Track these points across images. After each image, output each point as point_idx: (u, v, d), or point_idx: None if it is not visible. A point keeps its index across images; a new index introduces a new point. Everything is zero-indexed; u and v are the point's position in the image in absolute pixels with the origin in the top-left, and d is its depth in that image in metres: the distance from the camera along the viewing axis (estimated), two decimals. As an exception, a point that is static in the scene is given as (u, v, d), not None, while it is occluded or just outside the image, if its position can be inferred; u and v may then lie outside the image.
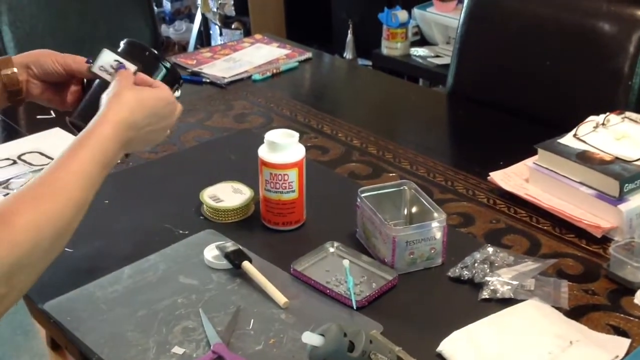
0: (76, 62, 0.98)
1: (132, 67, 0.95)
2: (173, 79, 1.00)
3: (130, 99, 0.89)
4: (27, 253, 0.73)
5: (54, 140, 1.45)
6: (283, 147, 1.13)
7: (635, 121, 1.28)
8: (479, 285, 1.02)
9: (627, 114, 1.30)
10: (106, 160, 0.85)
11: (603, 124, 1.27)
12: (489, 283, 1.01)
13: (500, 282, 1.01)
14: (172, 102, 0.95)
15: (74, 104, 1.00)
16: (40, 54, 0.99)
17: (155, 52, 1.00)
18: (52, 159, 1.36)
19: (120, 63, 0.95)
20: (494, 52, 1.67)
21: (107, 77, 0.95)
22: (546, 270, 1.05)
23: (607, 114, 1.29)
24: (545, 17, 1.58)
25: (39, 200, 0.77)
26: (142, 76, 0.95)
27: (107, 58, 0.96)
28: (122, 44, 1.00)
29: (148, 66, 0.97)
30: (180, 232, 1.16)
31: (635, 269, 1.01)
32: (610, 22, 1.49)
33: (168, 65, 1.00)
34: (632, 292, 1.01)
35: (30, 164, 1.36)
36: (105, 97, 0.90)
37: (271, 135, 1.15)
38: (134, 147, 0.93)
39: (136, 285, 1.03)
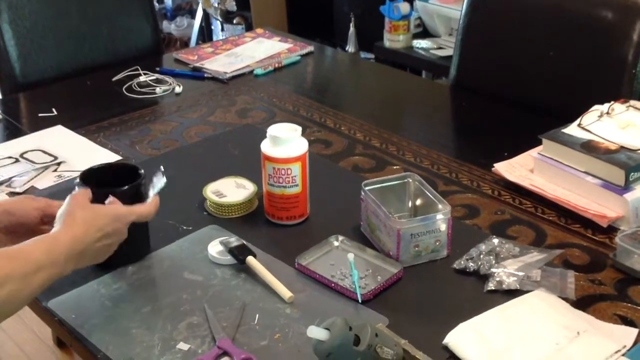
0: (52, 206, 1.01)
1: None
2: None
3: (80, 221, 0.93)
4: None
5: (56, 138, 1.45)
6: (286, 142, 1.13)
7: (640, 110, 1.27)
8: (485, 277, 1.02)
9: (632, 102, 1.29)
10: (58, 261, 0.89)
11: (608, 113, 1.26)
12: (495, 274, 1.01)
13: (506, 273, 1.01)
14: (120, 219, 0.97)
15: None
16: (20, 203, 1.03)
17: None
18: (54, 156, 1.36)
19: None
20: (497, 43, 1.66)
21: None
22: (552, 260, 1.04)
23: (612, 102, 1.28)
24: (549, 7, 1.57)
25: None
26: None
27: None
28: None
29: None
30: (184, 227, 1.16)
31: (642, 258, 1.00)
32: (614, 11, 1.48)
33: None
34: (639, 281, 1.00)
35: (32, 162, 1.36)
36: (59, 216, 0.94)
37: (274, 130, 1.14)
38: (83, 264, 0.95)
39: (140, 282, 1.03)
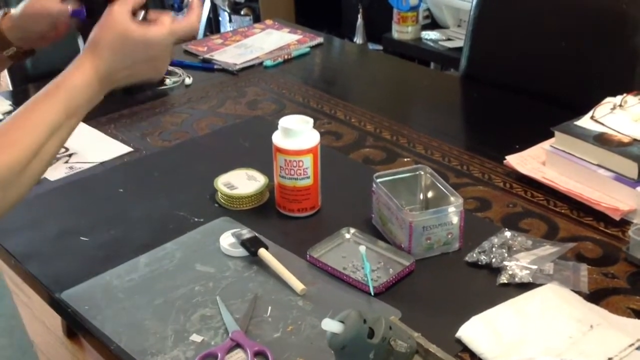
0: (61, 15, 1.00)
1: None
2: None
3: (107, 44, 0.86)
4: None
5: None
6: (297, 134, 1.13)
7: (653, 102, 1.26)
8: (497, 270, 1.01)
9: (645, 94, 1.28)
10: (73, 109, 0.85)
11: (620, 105, 1.25)
12: (507, 268, 1.01)
13: (518, 266, 1.00)
14: (156, 44, 0.88)
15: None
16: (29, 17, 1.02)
17: None
18: (66, 148, 1.37)
19: None
20: (508, 34, 1.65)
21: None
22: (565, 254, 1.04)
23: (625, 95, 1.27)
24: (560, -2, 1.56)
25: None
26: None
27: None
28: None
29: None
30: (195, 219, 1.16)
31: (656, 251, 1.00)
32: (626, 2, 1.47)
33: None
34: (653, 275, 1.00)
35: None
36: (92, 33, 0.88)
37: (285, 122, 1.14)
38: (118, 85, 0.90)
39: (153, 274, 1.03)
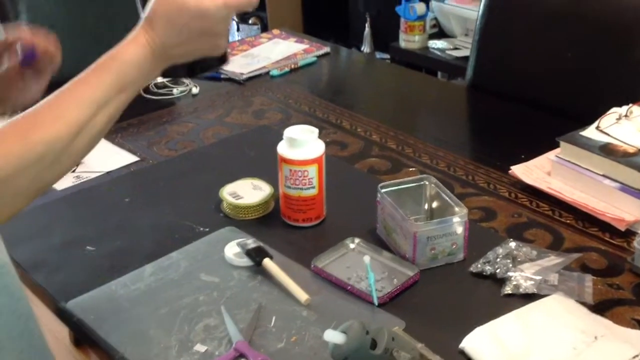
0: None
1: None
2: None
3: (161, 17, 0.84)
4: (16, 169, 0.75)
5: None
6: (303, 143, 1.13)
7: (659, 112, 1.26)
8: (502, 281, 1.01)
9: (651, 105, 1.28)
10: (123, 84, 0.83)
11: (626, 115, 1.25)
12: (512, 278, 1.00)
13: (523, 277, 1.00)
14: (212, 16, 0.85)
15: None
16: None
17: None
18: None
19: None
20: (514, 44, 1.65)
21: None
22: (570, 264, 1.04)
23: (630, 105, 1.27)
24: (566, 7, 1.56)
25: (38, 122, 0.78)
26: None
27: None
28: None
29: None
30: (201, 229, 1.16)
31: (661, 262, 1.00)
32: (633, 12, 1.47)
33: None
34: (658, 286, 0.99)
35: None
36: (147, 7, 0.85)
37: (291, 132, 1.14)
38: (174, 61, 0.88)
39: (158, 283, 1.04)
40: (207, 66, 0.93)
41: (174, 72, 0.91)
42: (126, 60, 0.83)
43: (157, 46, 0.84)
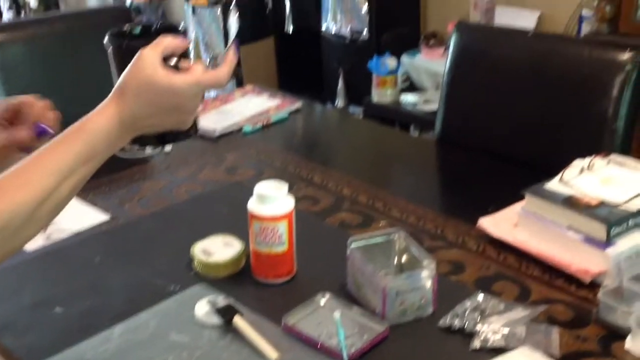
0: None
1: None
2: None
3: (132, 89, 0.85)
4: None
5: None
6: (272, 200, 1.14)
7: (621, 164, 1.29)
8: (470, 335, 1.02)
9: (613, 157, 1.32)
10: (90, 154, 0.84)
11: (588, 167, 1.28)
12: (480, 332, 1.01)
13: (491, 330, 1.01)
14: (181, 93, 0.86)
15: None
16: None
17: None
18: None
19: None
20: (480, 99, 1.69)
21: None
22: (537, 317, 1.05)
23: (593, 157, 1.30)
24: (529, 63, 1.61)
25: (3, 190, 0.79)
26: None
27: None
28: None
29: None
30: (172, 288, 1.16)
31: (625, 313, 1.01)
32: (593, 67, 1.52)
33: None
34: (623, 337, 1.00)
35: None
36: (120, 78, 0.87)
37: (260, 188, 1.16)
38: (141, 133, 0.89)
39: (127, 344, 1.03)
40: (177, 136, 0.95)
41: (144, 141, 0.93)
42: (94, 131, 0.84)
43: (126, 117, 0.85)
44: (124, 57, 0.89)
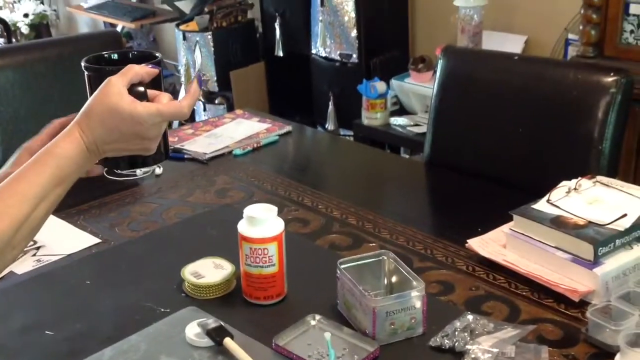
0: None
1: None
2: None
3: (96, 116, 0.89)
4: None
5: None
6: (262, 222, 1.15)
7: (607, 185, 1.31)
8: (460, 354, 1.02)
9: (599, 178, 1.33)
10: (61, 178, 0.87)
11: (575, 188, 1.30)
12: (470, 351, 1.02)
13: (480, 350, 1.02)
14: (143, 122, 0.89)
15: None
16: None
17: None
18: (34, 241, 1.37)
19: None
20: (468, 121, 1.71)
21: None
22: (526, 336, 1.06)
23: (579, 178, 1.32)
24: (516, 86, 1.64)
25: None
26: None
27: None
28: None
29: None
30: (162, 310, 1.16)
31: (613, 332, 1.02)
32: (578, 90, 1.54)
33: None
34: (612, 356, 1.01)
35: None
36: (86, 103, 0.90)
37: (250, 210, 1.16)
38: (108, 155, 0.92)
39: (117, 367, 1.03)
40: (147, 160, 0.97)
41: (115, 164, 0.97)
42: (62, 155, 0.87)
43: (90, 142, 0.89)
44: (98, 83, 0.92)
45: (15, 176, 0.86)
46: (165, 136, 0.98)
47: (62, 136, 0.89)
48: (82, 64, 0.97)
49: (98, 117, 0.89)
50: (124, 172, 1.66)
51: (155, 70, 0.94)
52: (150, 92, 0.93)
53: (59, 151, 0.87)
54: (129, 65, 0.92)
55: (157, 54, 0.99)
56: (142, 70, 0.92)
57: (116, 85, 0.89)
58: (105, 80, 0.90)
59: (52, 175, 0.86)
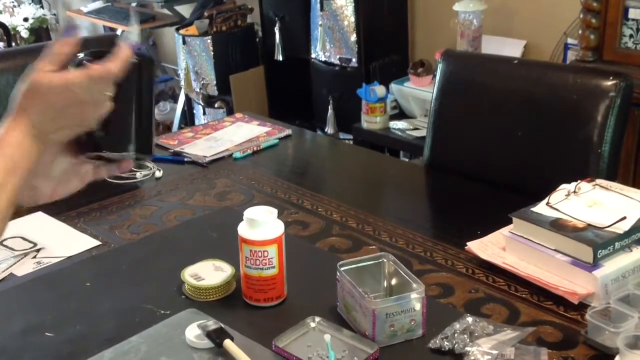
0: None
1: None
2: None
3: (20, 94, 0.85)
4: None
5: (37, 225, 1.46)
6: (262, 224, 1.15)
7: (606, 188, 1.31)
8: (460, 356, 1.03)
9: (598, 181, 1.33)
10: (14, 166, 0.84)
11: (574, 191, 1.30)
12: (469, 353, 1.02)
13: (480, 351, 1.02)
14: (75, 86, 0.85)
15: None
16: None
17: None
18: (34, 243, 1.37)
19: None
20: (468, 124, 1.72)
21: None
22: (526, 338, 1.06)
23: (579, 181, 1.32)
24: (515, 90, 1.64)
25: None
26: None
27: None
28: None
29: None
30: (162, 312, 1.16)
31: (613, 334, 1.02)
32: (578, 93, 1.55)
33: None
34: (611, 358, 1.01)
35: (11, 249, 1.36)
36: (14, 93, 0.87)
37: (250, 213, 1.17)
38: (54, 139, 0.88)
39: (117, 368, 1.03)
40: (116, 147, 0.92)
41: (79, 148, 0.91)
42: (8, 144, 0.84)
43: (29, 126, 0.85)
44: None
45: None
46: (149, 132, 0.93)
47: (2, 128, 0.85)
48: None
49: (28, 100, 0.85)
50: (124, 174, 1.66)
51: (69, 38, 0.89)
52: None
53: (4, 142, 0.84)
54: (51, 43, 0.88)
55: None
56: (61, 45, 0.88)
57: (37, 65, 0.86)
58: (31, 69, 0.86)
59: (5, 165, 0.83)
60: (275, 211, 1.17)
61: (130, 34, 0.93)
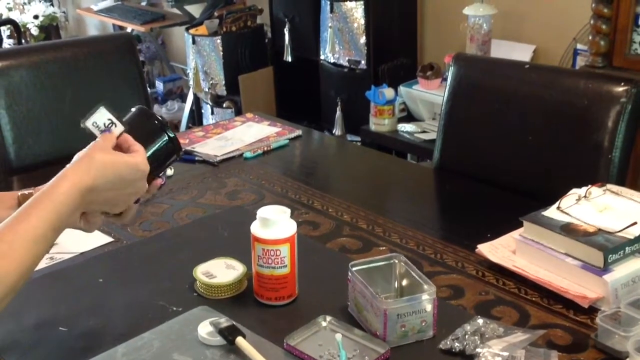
0: None
1: (119, 129, 0.99)
2: (172, 151, 1.06)
3: (97, 162, 0.93)
4: None
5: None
6: (275, 223, 1.16)
7: (617, 193, 1.32)
8: (470, 357, 1.03)
9: (609, 186, 1.34)
10: (59, 223, 0.89)
11: (585, 196, 1.31)
12: (480, 355, 1.03)
13: (491, 353, 1.03)
14: (141, 170, 0.98)
15: None
16: None
17: (161, 120, 1.06)
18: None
19: (111, 122, 0.99)
20: (478, 128, 1.72)
21: (97, 133, 1.00)
22: (536, 341, 1.06)
23: (589, 186, 1.33)
24: (526, 94, 1.65)
25: None
26: (125, 137, 0.99)
27: (101, 116, 1.00)
28: (132, 109, 1.06)
29: (148, 133, 1.03)
30: (174, 309, 1.17)
31: (623, 338, 1.03)
32: (589, 99, 1.55)
33: (171, 135, 1.06)
34: (621, 362, 1.02)
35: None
36: (76, 156, 0.95)
37: (263, 212, 1.17)
38: (94, 209, 0.97)
39: (130, 363, 1.04)
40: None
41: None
42: (60, 196, 0.90)
43: (86, 187, 0.92)
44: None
45: (16, 217, 0.88)
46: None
47: (61, 176, 0.92)
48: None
49: (99, 163, 0.94)
50: None
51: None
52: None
53: (57, 194, 0.90)
54: (102, 136, 0.98)
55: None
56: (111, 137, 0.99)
57: (106, 143, 0.97)
58: (98, 138, 0.97)
59: (51, 219, 0.89)
60: (288, 210, 1.18)
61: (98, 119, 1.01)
